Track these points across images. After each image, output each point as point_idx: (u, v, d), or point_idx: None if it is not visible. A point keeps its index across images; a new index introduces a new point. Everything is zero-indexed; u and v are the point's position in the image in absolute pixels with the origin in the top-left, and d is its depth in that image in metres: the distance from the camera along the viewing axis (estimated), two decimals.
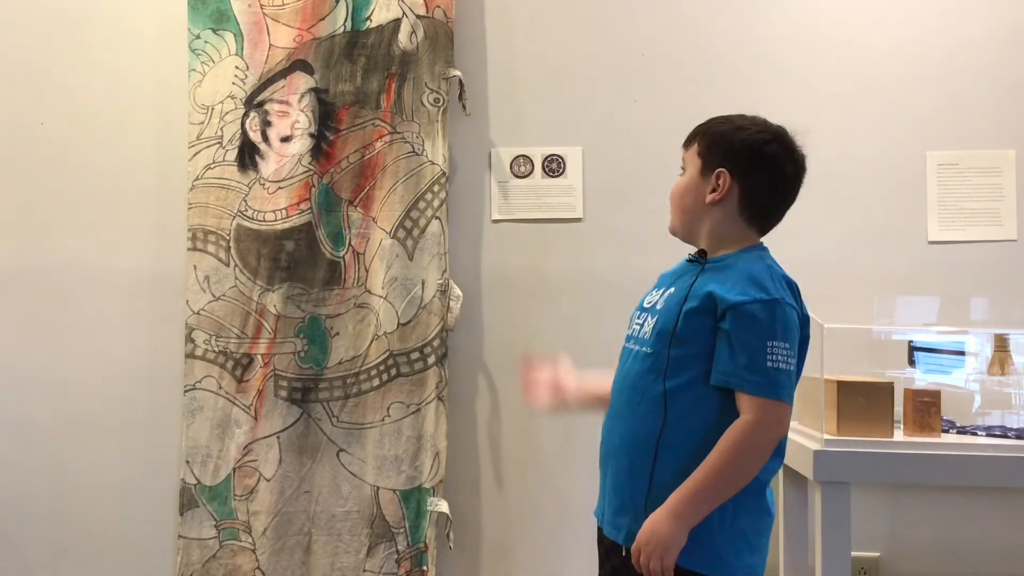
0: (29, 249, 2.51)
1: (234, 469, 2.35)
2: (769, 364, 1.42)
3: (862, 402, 1.98)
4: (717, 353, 1.46)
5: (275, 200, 2.39)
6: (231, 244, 2.39)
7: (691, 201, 1.58)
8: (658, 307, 1.57)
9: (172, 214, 2.46)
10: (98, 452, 2.47)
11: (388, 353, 2.36)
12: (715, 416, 1.45)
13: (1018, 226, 2.35)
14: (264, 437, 2.36)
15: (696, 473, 1.44)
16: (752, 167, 1.54)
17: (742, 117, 1.59)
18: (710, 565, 1.45)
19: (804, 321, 1.52)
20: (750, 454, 1.44)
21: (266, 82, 2.41)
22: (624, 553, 1.50)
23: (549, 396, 1.80)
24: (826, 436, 1.95)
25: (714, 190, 1.54)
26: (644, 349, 1.55)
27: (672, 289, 1.57)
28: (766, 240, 1.59)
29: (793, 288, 1.51)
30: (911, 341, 2.31)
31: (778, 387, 1.43)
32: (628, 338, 1.63)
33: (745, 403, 1.43)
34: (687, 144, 1.63)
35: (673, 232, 1.64)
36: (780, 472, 1.72)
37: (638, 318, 1.62)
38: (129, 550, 2.46)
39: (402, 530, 2.33)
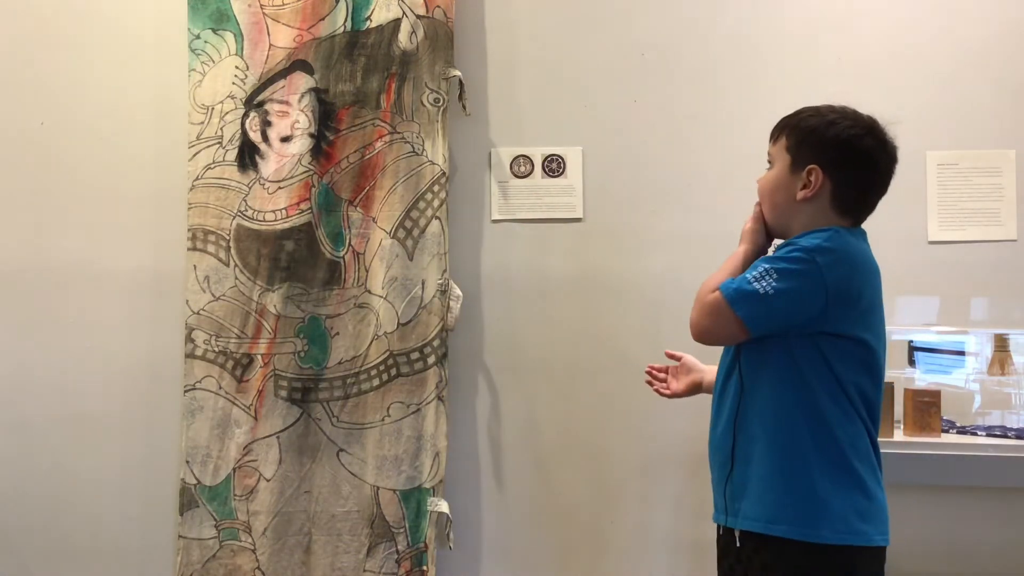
0: (29, 249, 2.51)
1: (234, 469, 2.35)
2: (747, 275, 1.47)
3: None
4: None
5: (275, 200, 2.39)
6: (231, 244, 2.39)
7: (782, 198, 1.56)
8: None
9: (172, 214, 2.46)
10: (98, 452, 2.47)
11: (388, 353, 2.36)
12: (792, 395, 1.48)
13: (1018, 226, 2.35)
14: (264, 437, 2.36)
15: (735, 258, 1.57)
16: (845, 163, 1.51)
17: (831, 109, 1.55)
18: (816, 533, 1.45)
19: (848, 293, 1.47)
20: (697, 300, 1.54)
21: (266, 82, 2.41)
22: (739, 542, 1.54)
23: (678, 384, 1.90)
24: None
25: (805, 186, 1.52)
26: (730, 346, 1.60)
27: None
28: None
29: (836, 253, 1.45)
30: (911, 341, 2.31)
31: (733, 292, 1.47)
32: None
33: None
34: (774, 138, 1.59)
35: None
36: None
37: None
38: (129, 550, 2.46)
39: (402, 530, 2.33)
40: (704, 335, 1.53)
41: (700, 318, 1.52)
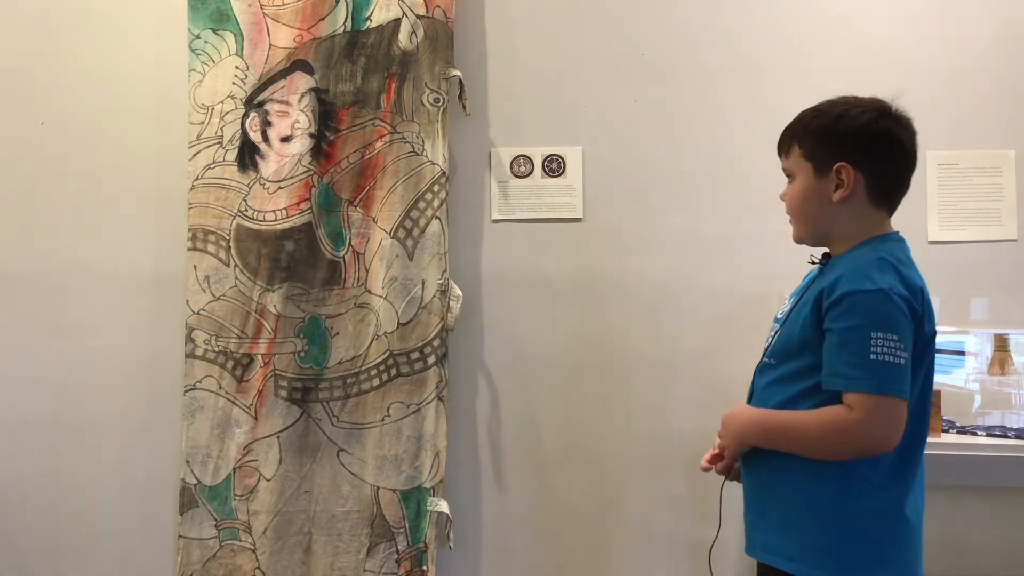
0: (29, 249, 2.51)
1: (234, 469, 2.35)
2: (873, 357, 1.33)
3: None
4: (824, 353, 1.39)
5: (275, 200, 2.39)
6: (231, 244, 2.39)
7: (816, 207, 1.49)
8: (781, 316, 1.54)
9: (172, 214, 2.46)
10: (98, 452, 2.47)
11: (388, 353, 2.36)
12: None
13: (1018, 226, 2.35)
14: (264, 437, 2.36)
15: (787, 417, 1.43)
16: (870, 151, 1.45)
17: (832, 104, 1.49)
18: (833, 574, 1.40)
19: (922, 322, 1.40)
20: (841, 448, 1.38)
21: (266, 82, 2.41)
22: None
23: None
24: None
25: (839, 187, 1.45)
26: (769, 360, 1.52)
27: (798, 298, 1.52)
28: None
29: (907, 282, 1.39)
30: None
31: (885, 381, 1.33)
32: (764, 351, 1.58)
33: (851, 399, 1.36)
34: (785, 151, 1.53)
35: (799, 241, 1.56)
36: None
37: (771, 330, 1.57)
38: (129, 550, 2.46)
39: (402, 530, 2.33)
40: (894, 442, 1.37)
41: (879, 433, 1.35)
